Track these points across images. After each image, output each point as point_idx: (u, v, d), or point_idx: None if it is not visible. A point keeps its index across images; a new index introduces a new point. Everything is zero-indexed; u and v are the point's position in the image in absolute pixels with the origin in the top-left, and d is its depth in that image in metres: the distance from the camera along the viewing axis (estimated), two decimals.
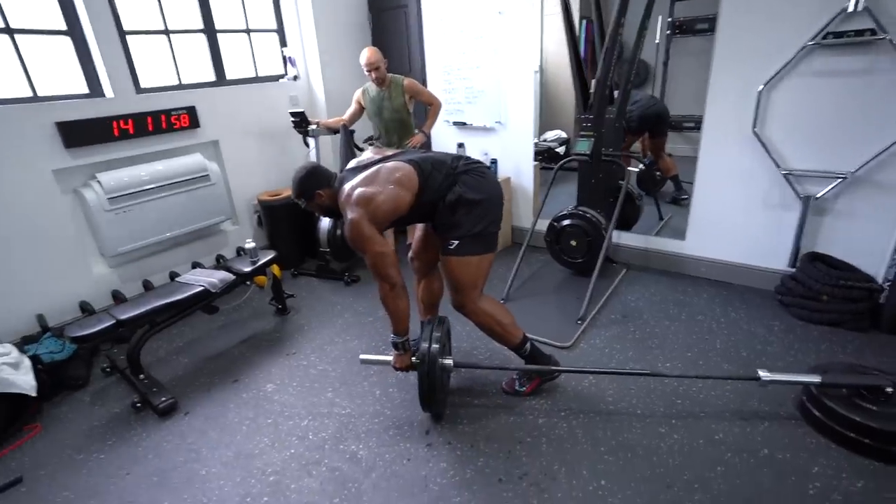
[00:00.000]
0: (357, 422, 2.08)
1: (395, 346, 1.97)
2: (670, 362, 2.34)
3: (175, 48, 3.15)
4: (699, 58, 4.39)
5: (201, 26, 3.24)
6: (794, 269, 2.74)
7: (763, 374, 1.87)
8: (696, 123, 4.36)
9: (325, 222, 3.33)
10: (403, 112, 3.23)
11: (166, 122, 2.99)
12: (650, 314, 2.75)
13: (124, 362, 2.46)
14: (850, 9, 2.26)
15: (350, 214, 1.77)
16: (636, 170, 3.94)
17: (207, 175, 3.17)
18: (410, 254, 2.24)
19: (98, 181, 2.75)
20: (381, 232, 1.81)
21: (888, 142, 2.34)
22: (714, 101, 2.76)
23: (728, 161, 2.81)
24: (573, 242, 3.08)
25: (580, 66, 2.98)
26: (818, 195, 2.58)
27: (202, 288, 2.49)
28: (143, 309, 2.33)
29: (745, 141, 2.71)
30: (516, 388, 2.16)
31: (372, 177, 1.83)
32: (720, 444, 1.85)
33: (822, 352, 2.34)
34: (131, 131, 2.85)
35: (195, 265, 3.22)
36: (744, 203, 2.84)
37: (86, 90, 2.81)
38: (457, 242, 1.85)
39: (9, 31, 2.50)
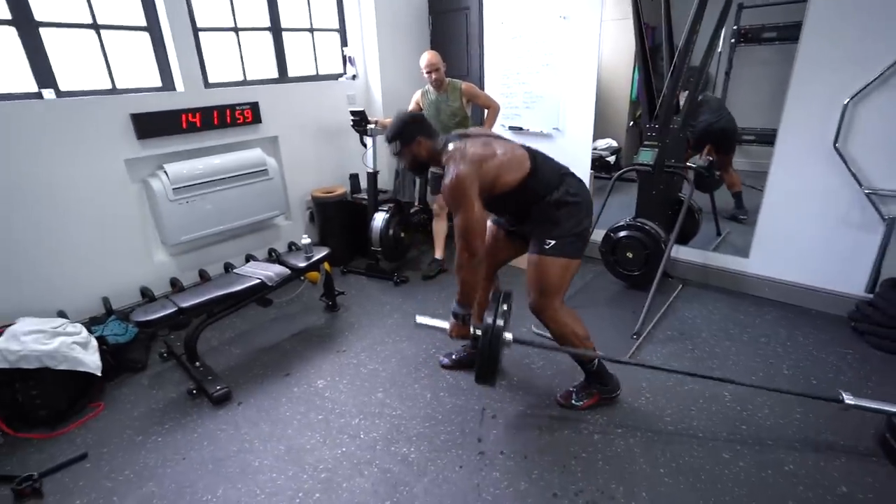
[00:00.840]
0: (408, 424, 2.06)
1: (456, 315, 1.90)
2: (732, 385, 2.22)
3: (242, 45, 3.24)
4: (765, 68, 4.25)
5: (268, 24, 3.33)
6: (871, 296, 2.57)
7: (847, 397, 1.75)
8: (757, 136, 4.21)
9: (378, 221, 3.34)
10: (461, 115, 3.23)
11: (230, 117, 3.08)
12: (709, 333, 2.63)
13: (181, 349, 2.53)
14: None
15: (456, 168, 1.72)
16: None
17: (266, 170, 3.24)
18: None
19: (165, 171, 2.85)
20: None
21: None
22: (792, 112, 2.62)
23: (803, 176, 2.66)
24: (630, 254, 2.98)
25: (649, 75, 2.89)
26: None
27: (259, 281, 2.54)
28: (203, 298, 2.38)
29: (824, 156, 2.55)
30: (573, 401, 2.09)
31: (487, 141, 1.83)
32: (791, 477, 1.74)
33: None
34: (198, 124, 2.95)
35: (249, 258, 3.30)
36: (818, 222, 2.68)
37: (159, 83, 2.92)
38: (553, 242, 1.83)
39: (95, 26, 2.62)
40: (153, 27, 2.82)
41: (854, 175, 2.49)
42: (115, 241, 2.78)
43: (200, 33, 2.99)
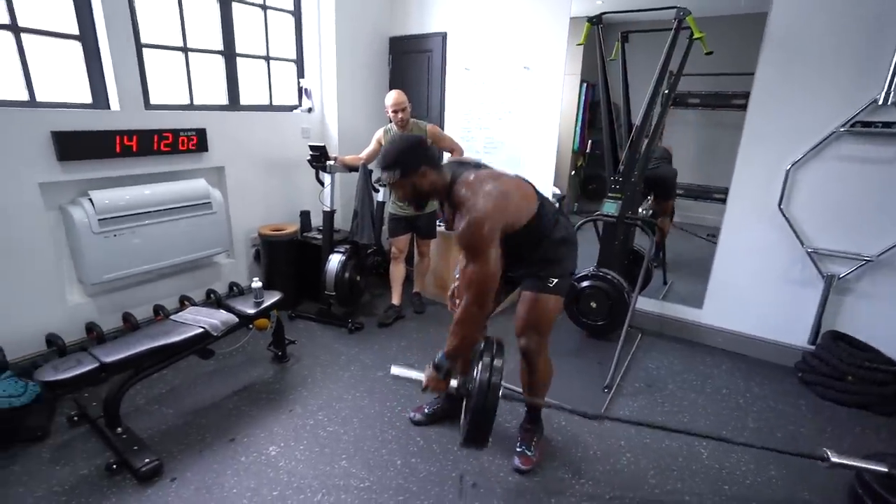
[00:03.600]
0: (379, 499, 1.82)
1: (439, 368, 1.67)
2: (706, 440, 2.21)
3: (191, 67, 2.96)
4: (690, 129, 4.66)
5: (221, 48, 3.08)
6: (813, 347, 2.74)
7: (832, 455, 1.76)
8: (685, 190, 4.53)
9: (334, 263, 3.11)
10: None
11: (174, 143, 2.76)
12: (674, 385, 2.65)
13: (97, 410, 2.12)
14: (881, 101, 2.36)
15: (480, 205, 1.51)
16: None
17: (209, 203, 2.92)
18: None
19: (90, 199, 2.46)
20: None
21: None
22: (741, 176, 2.81)
23: (751, 234, 2.83)
24: (593, 304, 2.98)
25: (612, 130, 3.00)
26: (841, 275, 2.61)
27: (202, 330, 2.20)
28: (131, 351, 2.01)
29: (770, 216, 2.74)
30: (529, 454, 1.98)
31: (501, 175, 1.68)
32: None
33: (857, 435, 2.28)
34: (135, 149, 2.60)
35: (184, 300, 2.91)
36: (765, 277, 2.85)
37: (89, 100, 2.56)
38: (556, 280, 1.76)
39: (15, 28, 2.26)
40: (87, 37, 2.49)
41: (797, 234, 2.68)
42: (17, 276, 2.32)
43: (144, 50, 2.69)
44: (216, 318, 2.30)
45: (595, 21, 2.94)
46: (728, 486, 1.95)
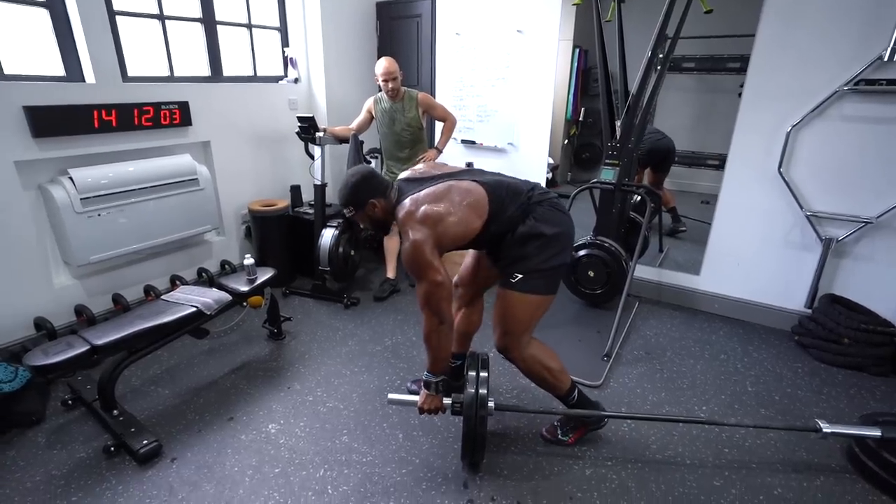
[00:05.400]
0: (382, 472, 1.82)
1: (428, 385, 1.73)
2: (706, 405, 2.23)
3: (169, 36, 2.82)
4: (685, 94, 4.57)
5: (199, 15, 2.93)
6: (810, 311, 2.74)
7: (824, 425, 1.78)
8: (680, 158, 4.48)
9: (327, 238, 3.04)
10: (416, 126, 3.05)
11: (155, 117, 2.64)
12: (673, 352, 2.65)
13: (92, 393, 2.08)
14: (886, 58, 2.29)
15: (413, 234, 1.55)
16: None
17: (196, 179, 2.83)
18: (456, 279, 2.01)
19: (70, 178, 2.37)
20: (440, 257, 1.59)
21: None
22: (740, 139, 2.75)
23: (750, 199, 2.79)
24: (591, 273, 2.96)
25: (610, 98, 2.91)
26: (840, 238, 2.60)
27: (194, 309, 2.15)
28: (123, 332, 1.96)
29: (769, 180, 2.70)
30: (559, 436, 1.96)
31: (442, 193, 1.61)
32: (782, 501, 1.73)
33: (852, 397, 2.30)
34: (114, 124, 2.49)
35: (175, 279, 2.85)
36: (763, 242, 2.83)
37: (62, 73, 2.43)
38: (520, 276, 1.65)
39: None
40: (54, 3, 2.34)
41: (796, 198, 2.65)
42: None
43: (118, 17, 2.55)
44: (209, 297, 2.25)
45: None
46: (728, 448, 1.97)
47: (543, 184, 3.36)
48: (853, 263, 2.64)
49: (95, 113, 2.42)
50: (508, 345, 1.76)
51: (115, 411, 1.97)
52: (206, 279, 3.01)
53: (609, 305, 2.98)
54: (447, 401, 1.75)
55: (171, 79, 2.86)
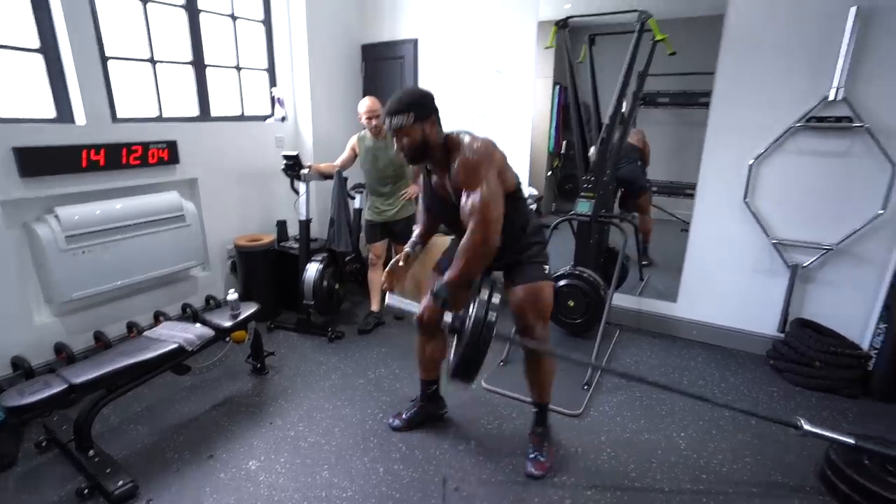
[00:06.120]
0: None
1: (437, 296, 1.64)
2: (684, 431, 2.26)
3: (159, 79, 2.92)
4: (660, 128, 4.79)
5: (190, 59, 3.05)
6: (782, 335, 2.82)
7: (804, 423, 1.83)
8: (659, 187, 4.65)
9: (311, 272, 3.09)
10: (399, 163, 3.14)
11: (143, 156, 2.71)
12: (652, 379, 2.69)
13: (67, 433, 2.06)
14: (831, 98, 2.46)
15: (479, 142, 1.66)
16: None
17: (183, 215, 2.88)
18: (420, 312, 1.94)
19: (56, 216, 2.41)
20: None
21: (865, 219, 2.52)
22: (707, 171, 2.89)
23: (720, 227, 2.91)
24: (571, 303, 3.02)
25: (583, 132, 3.06)
26: (805, 264, 2.71)
27: (176, 345, 2.17)
28: (102, 370, 1.96)
29: (736, 210, 2.83)
30: (542, 459, 1.98)
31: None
32: None
33: (825, 419, 2.36)
34: (102, 163, 2.55)
35: (158, 315, 2.85)
36: (734, 268, 2.93)
37: (53, 114, 2.51)
38: (548, 268, 1.89)
39: None
40: (49, 50, 2.44)
41: (762, 226, 2.77)
42: None
43: (110, 62, 2.65)
44: (191, 333, 2.27)
45: (561, 25, 3.01)
46: (706, 474, 2.00)
47: None
48: (819, 288, 2.74)
49: (84, 153, 2.48)
50: (546, 333, 1.90)
51: (90, 452, 1.94)
52: (190, 314, 3.01)
53: (590, 334, 3.03)
54: (447, 318, 1.68)
55: (159, 119, 2.95)
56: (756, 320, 2.94)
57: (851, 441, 1.82)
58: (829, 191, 2.60)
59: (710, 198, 2.91)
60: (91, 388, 1.92)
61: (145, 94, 2.90)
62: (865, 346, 2.61)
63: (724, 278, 2.98)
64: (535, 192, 5.23)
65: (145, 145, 2.72)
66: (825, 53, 2.44)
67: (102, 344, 2.59)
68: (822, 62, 2.46)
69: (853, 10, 2.31)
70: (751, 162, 2.73)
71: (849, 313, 2.67)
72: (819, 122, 2.53)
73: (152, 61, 2.87)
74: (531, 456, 2.01)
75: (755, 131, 2.70)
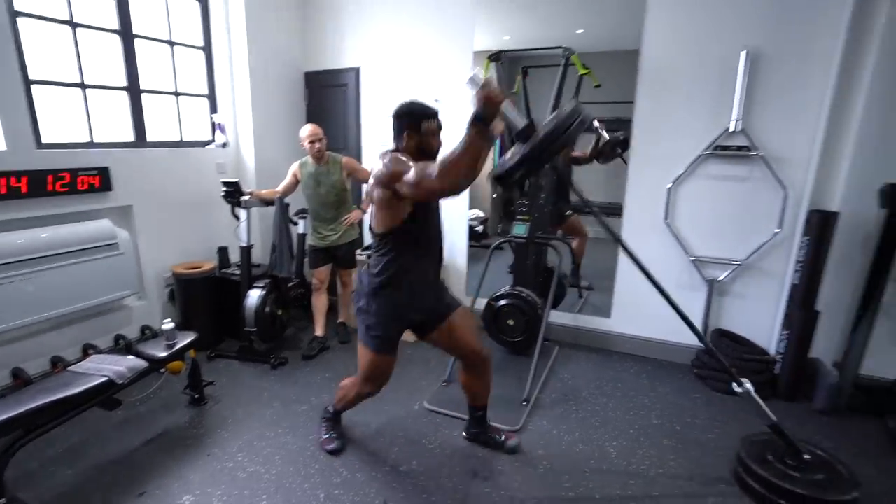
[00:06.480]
0: None
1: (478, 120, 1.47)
2: (615, 441, 2.39)
3: (91, 104, 2.85)
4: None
5: (125, 84, 3.00)
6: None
7: (747, 383, 2.06)
8: (601, 208, 4.92)
9: (253, 298, 3.05)
10: (340, 188, 3.20)
11: (72, 183, 2.63)
12: (588, 392, 2.84)
13: None
14: (732, 129, 2.75)
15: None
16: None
17: (116, 244, 2.79)
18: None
19: None
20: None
21: (766, 237, 2.81)
22: (632, 194, 3.12)
23: (646, 246, 3.10)
24: (510, 322, 3.14)
25: None
26: (720, 279, 2.96)
27: (106, 378, 2.09)
28: (20, 409, 1.85)
29: (658, 230, 3.06)
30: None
31: None
32: None
33: (741, 420, 2.55)
34: (24, 190, 2.45)
35: (87, 348, 2.73)
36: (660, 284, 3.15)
37: None
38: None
39: None
40: None
41: (681, 245, 3.01)
42: None
43: (34, 86, 2.57)
44: (122, 365, 2.19)
45: (494, 58, 3.19)
46: (634, 480, 2.13)
47: (467, 236, 3.61)
48: (733, 300, 3.00)
49: (4, 180, 2.38)
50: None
51: (2, 500, 1.83)
52: (123, 346, 2.90)
53: (530, 352, 3.14)
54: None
55: (91, 145, 2.86)
56: (681, 332, 3.11)
57: (774, 419, 1.99)
58: (736, 212, 2.88)
59: (636, 218, 3.14)
60: (5, 429, 1.81)
61: (76, 120, 2.82)
62: (773, 351, 2.87)
63: (651, 293, 3.15)
64: (480, 213, 5.41)
65: (73, 172, 2.64)
66: (725, 89, 2.74)
67: (21, 381, 2.45)
68: (723, 97, 2.75)
69: (743, 52, 2.62)
70: (669, 185, 2.98)
71: (758, 322, 2.94)
72: (724, 151, 2.82)
73: (82, 86, 2.80)
74: (502, 438, 2.31)
75: (671, 158, 2.96)
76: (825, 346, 2.71)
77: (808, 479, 1.93)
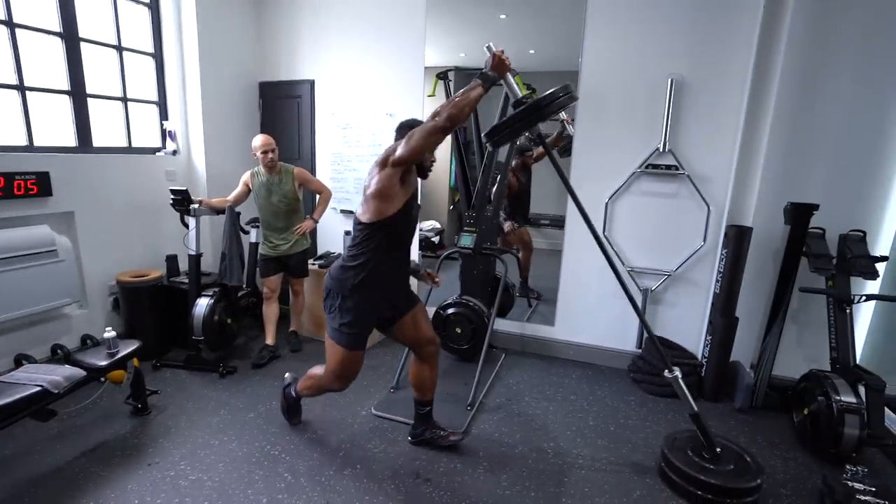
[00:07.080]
0: None
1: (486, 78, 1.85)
2: (553, 441, 2.53)
3: (31, 107, 2.79)
4: (548, 167, 5.31)
5: (68, 87, 2.95)
6: (640, 350, 3.26)
7: (669, 374, 2.20)
8: (550, 220, 5.13)
9: (201, 307, 3.03)
10: (292, 198, 3.23)
11: (7, 187, 2.56)
12: (531, 396, 2.97)
13: None
14: (661, 149, 2.99)
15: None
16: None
17: (55, 251, 2.73)
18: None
19: None
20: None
21: (692, 249, 3.04)
22: (573, 208, 3.29)
23: (586, 258, 3.32)
24: (458, 330, 3.25)
25: (465, 170, 3.37)
26: (653, 288, 3.18)
27: (39, 388, 2.05)
28: None
29: None
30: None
31: None
32: None
33: (669, 420, 2.75)
34: None
35: (20, 359, 2.64)
36: (599, 293, 3.35)
37: None
38: None
39: None
40: None
41: (619, 256, 3.22)
42: None
43: None
44: (58, 374, 2.15)
45: (442, 76, 3.33)
46: (567, 477, 2.26)
47: (418, 245, 3.69)
48: (665, 308, 3.22)
49: None
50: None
51: None
52: (61, 356, 2.82)
53: (477, 359, 3.26)
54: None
55: (29, 149, 2.80)
56: (619, 339, 3.36)
57: (696, 408, 2.16)
58: (667, 225, 3.11)
59: (577, 231, 3.33)
60: None
61: (13, 123, 2.75)
62: (700, 355, 3.10)
63: (592, 302, 3.38)
64: (437, 224, 5.53)
65: (9, 176, 2.57)
66: (654, 111, 2.97)
67: None
68: (654, 118, 2.98)
69: (669, 79, 2.86)
70: (606, 200, 3.19)
71: (687, 329, 3.17)
72: (654, 169, 3.05)
73: (20, 88, 2.74)
74: (445, 433, 2.41)
75: (608, 174, 3.16)
76: (744, 350, 2.95)
77: (719, 469, 2.11)
